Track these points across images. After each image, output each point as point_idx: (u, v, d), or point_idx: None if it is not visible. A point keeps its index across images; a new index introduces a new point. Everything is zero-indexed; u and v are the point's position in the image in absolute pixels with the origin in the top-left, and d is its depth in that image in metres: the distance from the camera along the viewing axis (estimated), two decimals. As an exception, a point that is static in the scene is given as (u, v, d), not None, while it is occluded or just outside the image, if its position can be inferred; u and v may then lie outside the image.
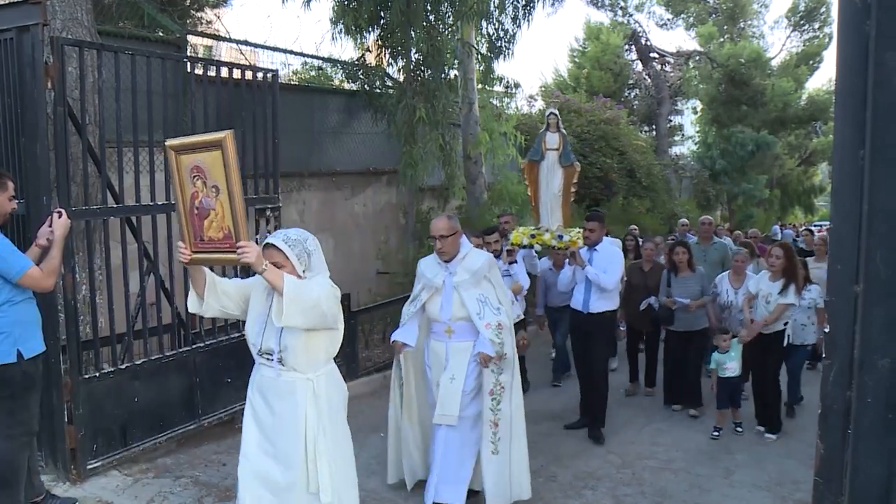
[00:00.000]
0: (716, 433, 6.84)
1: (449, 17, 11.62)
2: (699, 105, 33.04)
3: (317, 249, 3.69)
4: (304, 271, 3.59)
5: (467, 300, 4.93)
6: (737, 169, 28.54)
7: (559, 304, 8.31)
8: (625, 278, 7.97)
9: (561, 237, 7.54)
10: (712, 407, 7.13)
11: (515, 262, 7.21)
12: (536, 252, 8.10)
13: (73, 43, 5.40)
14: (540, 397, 7.94)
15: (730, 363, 6.84)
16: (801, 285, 7.01)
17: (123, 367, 5.67)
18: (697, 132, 33.26)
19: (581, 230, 7.19)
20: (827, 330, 2.02)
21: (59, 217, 4.53)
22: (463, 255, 5.00)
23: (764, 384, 6.97)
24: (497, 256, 6.67)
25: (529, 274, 7.89)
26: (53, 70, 5.00)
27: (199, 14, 11.81)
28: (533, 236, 7.63)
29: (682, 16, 33.24)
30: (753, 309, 6.97)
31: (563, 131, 8.03)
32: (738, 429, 6.91)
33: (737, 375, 6.87)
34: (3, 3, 5.08)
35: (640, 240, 9.46)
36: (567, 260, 6.97)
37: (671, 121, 32.25)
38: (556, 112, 8.14)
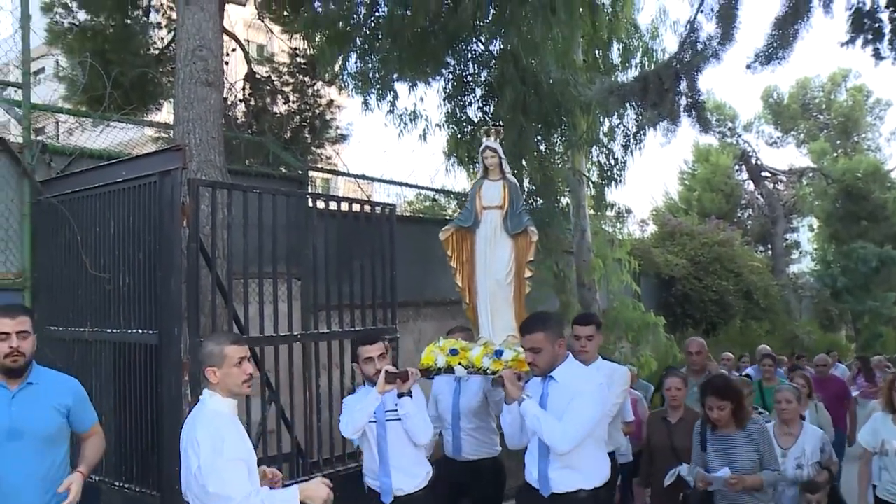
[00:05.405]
0: None
1: (559, 146, 11.81)
2: (816, 222, 32.14)
3: None
4: None
5: None
6: (860, 286, 27.26)
7: None
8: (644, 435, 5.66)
9: (499, 354, 4.78)
10: None
11: (408, 395, 4.43)
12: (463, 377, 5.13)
13: (207, 184, 5.73)
14: None
15: None
16: None
17: (244, 496, 5.69)
18: (815, 249, 32.23)
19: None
20: None
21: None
22: None
23: None
24: (373, 383, 4.42)
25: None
26: (189, 209, 5.30)
27: (319, 150, 12.42)
28: (454, 352, 4.96)
29: (793, 133, 32.95)
30: (882, 470, 4.91)
31: (512, 179, 5.18)
32: None
33: None
34: (147, 151, 5.45)
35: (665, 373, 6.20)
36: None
37: (787, 239, 31.46)
38: (496, 146, 5.06)
